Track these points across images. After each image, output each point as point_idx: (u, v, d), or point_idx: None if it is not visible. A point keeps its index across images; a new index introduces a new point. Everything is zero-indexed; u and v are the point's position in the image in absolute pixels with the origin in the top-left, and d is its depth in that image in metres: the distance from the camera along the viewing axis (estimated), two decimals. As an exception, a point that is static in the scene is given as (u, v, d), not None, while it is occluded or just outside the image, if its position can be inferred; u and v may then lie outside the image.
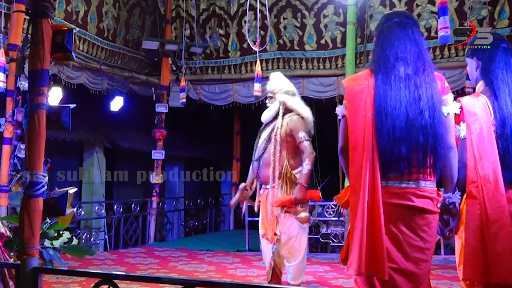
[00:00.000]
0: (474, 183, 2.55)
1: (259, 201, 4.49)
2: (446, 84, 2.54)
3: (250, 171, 4.70)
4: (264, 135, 4.45)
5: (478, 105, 2.66)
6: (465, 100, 2.68)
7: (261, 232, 4.37)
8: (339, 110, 2.53)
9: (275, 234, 4.21)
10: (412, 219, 2.38)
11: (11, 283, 3.21)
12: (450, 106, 2.50)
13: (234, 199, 4.70)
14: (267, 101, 4.53)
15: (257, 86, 6.33)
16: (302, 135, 4.27)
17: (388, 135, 2.35)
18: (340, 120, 2.55)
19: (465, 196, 2.60)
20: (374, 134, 2.35)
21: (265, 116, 4.49)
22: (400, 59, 2.43)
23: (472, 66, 2.86)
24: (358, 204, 2.32)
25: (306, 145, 4.27)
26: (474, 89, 2.64)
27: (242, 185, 4.64)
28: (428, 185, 2.42)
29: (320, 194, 4.56)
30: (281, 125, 4.32)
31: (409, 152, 2.35)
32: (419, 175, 2.40)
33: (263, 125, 4.57)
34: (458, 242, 2.73)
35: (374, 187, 2.32)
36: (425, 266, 2.43)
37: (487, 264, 2.48)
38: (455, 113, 2.54)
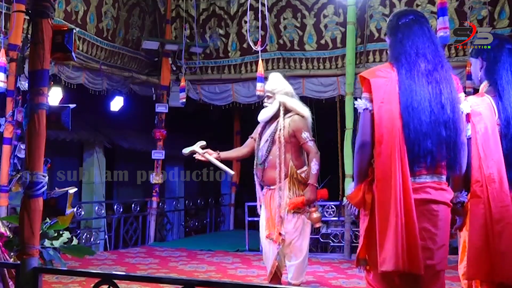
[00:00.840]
0: (479, 182, 2.57)
1: (261, 202, 4.50)
2: (460, 84, 2.58)
3: (234, 150, 4.94)
4: (265, 137, 4.46)
5: (483, 105, 2.68)
6: (470, 100, 2.69)
7: (264, 232, 4.36)
8: (360, 103, 2.47)
9: (280, 234, 4.22)
10: (433, 213, 2.39)
11: (10, 283, 3.21)
12: (463, 104, 2.55)
13: (189, 149, 4.69)
14: (265, 100, 4.53)
15: (259, 85, 6.34)
16: (305, 135, 4.29)
17: (416, 130, 2.36)
18: (360, 114, 2.50)
19: (469, 195, 2.61)
20: (401, 128, 2.36)
21: (263, 116, 4.49)
22: (421, 55, 2.46)
23: (476, 66, 2.88)
24: (390, 200, 2.30)
25: (311, 145, 4.30)
26: (474, 89, 2.66)
27: (203, 143, 4.65)
28: (444, 179, 2.45)
29: (327, 192, 4.59)
30: (284, 126, 4.33)
31: (433, 146, 2.37)
32: (441, 169, 2.43)
33: (261, 126, 4.57)
34: (461, 240, 2.74)
35: (404, 182, 2.31)
36: (445, 262, 2.45)
37: (491, 263, 2.49)
38: (467, 112, 2.58)
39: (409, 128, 2.36)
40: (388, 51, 2.66)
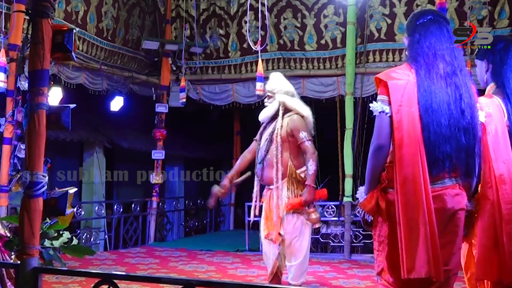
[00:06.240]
0: (488, 184, 2.54)
1: (262, 202, 4.50)
2: (476, 92, 2.54)
3: (239, 161, 4.74)
4: (265, 136, 4.46)
5: (492, 106, 2.66)
6: (480, 100, 2.66)
7: (264, 232, 4.36)
8: (376, 106, 2.40)
9: (279, 234, 4.22)
10: (451, 221, 2.37)
11: (9, 283, 3.21)
12: (479, 114, 2.51)
13: (212, 200, 4.64)
14: (265, 100, 4.54)
15: (258, 85, 6.34)
16: (303, 135, 4.28)
17: (435, 132, 2.33)
18: (375, 116, 2.42)
19: (477, 196, 2.60)
20: (421, 131, 2.32)
21: (263, 115, 4.49)
22: (439, 56, 2.41)
23: (481, 68, 2.86)
24: (418, 206, 2.26)
25: (308, 145, 4.28)
26: (478, 90, 2.64)
27: (220, 187, 4.61)
28: (461, 183, 2.42)
29: (326, 192, 4.58)
30: (281, 125, 4.33)
31: (452, 151, 2.34)
32: (458, 174, 2.40)
33: (262, 126, 4.57)
34: (465, 246, 2.72)
35: (425, 188, 2.29)
36: (459, 266, 2.45)
37: (500, 264, 2.48)
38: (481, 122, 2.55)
39: (429, 131, 2.32)
40: (406, 52, 2.59)
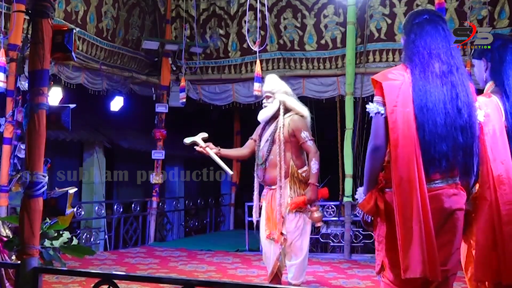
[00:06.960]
0: (486, 184, 2.54)
1: (262, 202, 4.50)
2: (475, 91, 2.53)
3: (235, 149, 4.95)
4: (265, 137, 4.46)
5: (490, 105, 2.65)
6: (479, 100, 2.65)
7: (265, 232, 4.36)
8: (372, 107, 2.41)
9: (282, 234, 4.22)
10: (449, 221, 2.36)
11: (8, 284, 3.21)
12: (478, 112, 2.50)
13: (191, 139, 4.71)
14: (264, 101, 4.54)
15: (257, 85, 6.33)
16: (305, 135, 4.30)
17: (431, 131, 2.32)
18: (371, 117, 2.43)
19: (474, 195, 2.59)
20: (416, 130, 2.31)
21: (263, 115, 4.49)
22: (434, 55, 2.40)
23: (480, 67, 2.85)
24: (412, 206, 2.26)
25: (310, 145, 4.31)
26: (477, 90, 2.63)
27: (205, 135, 4.68)
28: (459, 182, 2.41)
29: (328, 191, 4.60)
30: (283, 125, 4.34)
31: (449, 150, 2.33)
32: (455, 173, 2.38)
33: (261, 126, 4.58)
34: (465, 246, 2.72)
35: (421, 188, 2.28)
36: (457, 266, 2.44)
37: (500, 265, 2.47)
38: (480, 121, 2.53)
39: (424, 130, 2.31)
40: (403, 51, 2.60)
